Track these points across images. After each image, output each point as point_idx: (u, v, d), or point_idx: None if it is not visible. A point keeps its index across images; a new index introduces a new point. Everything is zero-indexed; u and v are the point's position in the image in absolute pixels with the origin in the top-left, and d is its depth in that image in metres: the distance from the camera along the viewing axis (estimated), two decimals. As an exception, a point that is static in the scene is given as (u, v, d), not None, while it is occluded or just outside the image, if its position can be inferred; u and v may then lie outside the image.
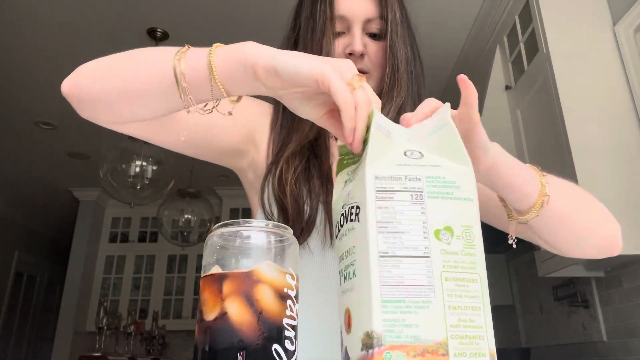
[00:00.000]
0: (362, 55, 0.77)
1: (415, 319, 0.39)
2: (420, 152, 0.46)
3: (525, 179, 0.61)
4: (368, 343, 0.39)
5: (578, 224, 0.68)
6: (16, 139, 4.23)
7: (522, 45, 2.39)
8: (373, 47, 0.78)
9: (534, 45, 2.23)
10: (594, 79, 2.02)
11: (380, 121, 0.48)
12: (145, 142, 2.79)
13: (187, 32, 2.85)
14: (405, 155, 0.45)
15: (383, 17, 0.78)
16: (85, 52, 3.50)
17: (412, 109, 0.76)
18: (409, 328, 0.39)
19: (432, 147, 0.47)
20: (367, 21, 0.78)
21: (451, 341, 0.39)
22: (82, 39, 2.91)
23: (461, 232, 0.42)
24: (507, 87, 2.57)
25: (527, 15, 2.31)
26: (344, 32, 0.79)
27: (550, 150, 2.09)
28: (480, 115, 2.37)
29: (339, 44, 0.78)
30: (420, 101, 0.78)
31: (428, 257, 0.41)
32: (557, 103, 2.00)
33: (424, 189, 0.43)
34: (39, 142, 4.27)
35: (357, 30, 0.77)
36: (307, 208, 0.74)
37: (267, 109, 0.85)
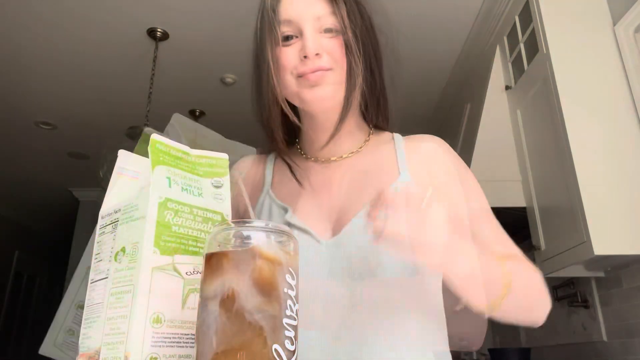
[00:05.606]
0: (319, 54, 0.73)
1: (90, 332, 0.49)
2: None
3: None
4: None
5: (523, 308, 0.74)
6: (16, 139, 4.23)
7: (522, 45, 2.39)
8: (329, 44, 0.74)
9: (534, 45, 2.23)
10: (594, 79, 2.02)
11: (127, 165, 0.55)
12: (145, 142, 2.79)
13: (187, 32, 2.85)
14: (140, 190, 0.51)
15: (334, 12, 0.74)
16: (85, 52, 3.49)
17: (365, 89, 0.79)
18: (87, 339, 0.50)
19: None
20: (318, 19, 0.74)
21: (102, 348, 0.47)
22: (83, 40, 2.91)
23: (130, 249, 0.48)
24: (507, 87, 2.57)
25: (527, 15, 2.31)
26: (297, 36, 0.75)
27: (550, 150, 2.09)
28: (481, 115, 2.36)
29: (294, 49, 0.74)
30: (375, 77, 0.80)
31: (107, 277, 0.49)
32: (557, 103, 2.00)
33: (119, 218, 0.51)
34: (39, 142, 4.27)
35: (307, 31, 0.73)
36: None
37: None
